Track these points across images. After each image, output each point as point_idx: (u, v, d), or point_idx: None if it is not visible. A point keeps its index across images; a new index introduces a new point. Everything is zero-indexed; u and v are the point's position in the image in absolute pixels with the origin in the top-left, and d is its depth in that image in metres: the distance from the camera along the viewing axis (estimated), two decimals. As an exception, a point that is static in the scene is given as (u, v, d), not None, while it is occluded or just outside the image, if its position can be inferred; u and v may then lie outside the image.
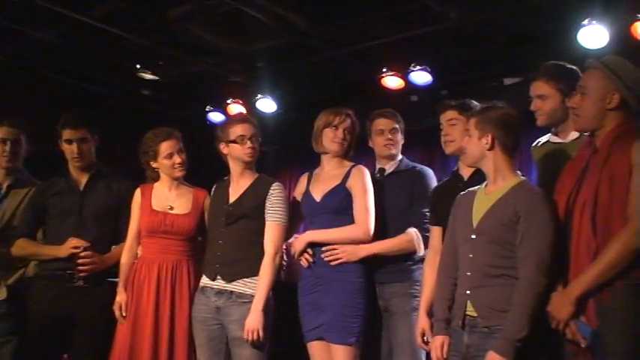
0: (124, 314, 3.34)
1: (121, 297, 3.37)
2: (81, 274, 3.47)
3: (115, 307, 3.37)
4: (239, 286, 3.23)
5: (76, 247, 3.46)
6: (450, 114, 3.21)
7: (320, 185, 3.38)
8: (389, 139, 3.52)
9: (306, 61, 5.77)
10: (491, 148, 2.71)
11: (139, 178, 3.62)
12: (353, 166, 3.37)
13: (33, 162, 3.97)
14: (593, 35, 4.31)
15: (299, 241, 3.33)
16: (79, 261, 3.45)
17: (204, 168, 3.90)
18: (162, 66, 5.95)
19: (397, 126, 3.55)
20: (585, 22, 4.30)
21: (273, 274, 3.22)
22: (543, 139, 3.15)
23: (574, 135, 2.94)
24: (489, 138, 2.70)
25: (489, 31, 4.98)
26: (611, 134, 2.52)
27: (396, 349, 3.30)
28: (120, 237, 3.57)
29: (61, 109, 3.75)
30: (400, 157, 3.58)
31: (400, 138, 3.57)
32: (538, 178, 3.09)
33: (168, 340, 3.28)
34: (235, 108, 6.29)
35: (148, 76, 6.02)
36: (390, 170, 3.54)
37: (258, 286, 3.19)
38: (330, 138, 3.37)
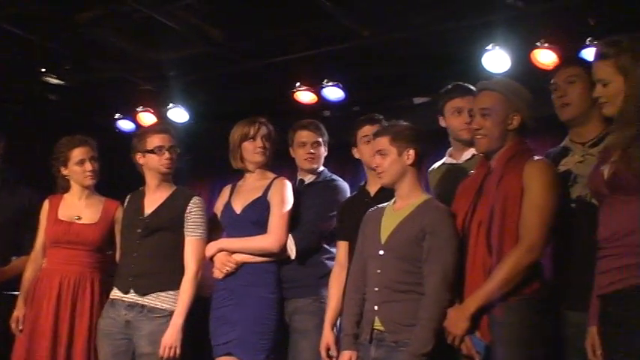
0: (20, 328, 3.22)
1: (19, 311, 3.26)
2: (-25, 286, 3.32)
3: (12, 321, 3.25)
4: (152, 300, 3.17)
5: (-30, 258, 3.30)
6: (366, 130, 3.22)
7: (241, 197, 3.34)
8: (310, 153, 3.45)
9: (220, 73, 5.73)
10: (413, 163, 2.74)
11: (45, 186, 3.49)
12: (275, 178, 3.34)
13: None
14: (497, 60, 4.50)
15: (210, 246, 3.27)
16: (-26, 272, 3.30)
17: (112, 177, 3.79)
18: (70, 71, 5.75)
19: (320, 139, 3.49)
20: (489, 47, 4.48)
21: (195, 291, 3.18)
22: (439, 162, 3.26)
23: (467, 155, 3.08)
24: (411, 152, 2.74)
25: (401, 51, 5.10)
26: (505, 155, 2.63)
27: None
28: (22, 249, 3.43)
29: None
30: (321, 169, 3.52)
31: (323, 151, 3.51)
32: (436, 198, 3.17)
33: (66, 356, 3.18)
34: (146, 116, 6.16)
35: (54, 81, 5.80)
36: (309, 182, 3.50)
37: (178, 302, 3.14)
38: (251, 150, 3.32)
